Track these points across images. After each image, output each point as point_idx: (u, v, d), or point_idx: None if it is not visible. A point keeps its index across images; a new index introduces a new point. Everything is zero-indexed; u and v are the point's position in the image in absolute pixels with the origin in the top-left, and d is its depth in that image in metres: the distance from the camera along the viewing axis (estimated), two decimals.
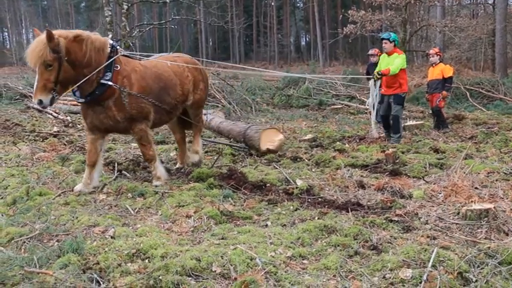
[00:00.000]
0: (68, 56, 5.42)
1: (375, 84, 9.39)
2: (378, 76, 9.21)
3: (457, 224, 4.58)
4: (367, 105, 9.62)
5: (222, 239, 4.32)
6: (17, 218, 4.82)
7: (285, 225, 4.73)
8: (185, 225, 4.73)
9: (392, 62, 9.14)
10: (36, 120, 12.43)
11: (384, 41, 9.37)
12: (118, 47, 6.07)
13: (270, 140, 8.29)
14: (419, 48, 29.27)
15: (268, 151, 8.18)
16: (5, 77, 24.54)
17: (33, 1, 68.97)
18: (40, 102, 5.42)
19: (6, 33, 71.59)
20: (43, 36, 5.24)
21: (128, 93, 5.82)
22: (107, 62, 5.74)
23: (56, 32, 5.41)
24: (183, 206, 5.29)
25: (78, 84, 5.62)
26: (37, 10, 67.64)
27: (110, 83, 5.70)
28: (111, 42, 5.98)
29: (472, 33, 22.90)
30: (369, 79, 12.14)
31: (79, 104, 6.22)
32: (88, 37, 5.67)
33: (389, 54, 9.33)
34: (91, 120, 5.97)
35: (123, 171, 6.95)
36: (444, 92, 10.94)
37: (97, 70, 5.65)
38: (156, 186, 6.12)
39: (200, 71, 7.23)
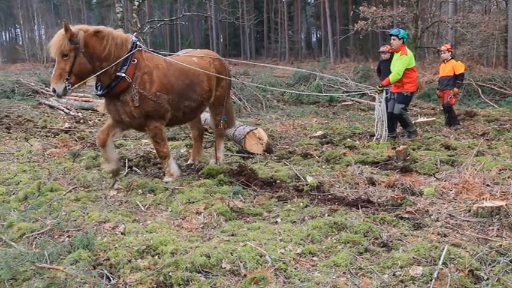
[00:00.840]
0: (86, 49, 5.66)
1: (380, 97, 9.11)
2: (380, 89, 9.01)
3: (468, 221, 4.55)
4: (375, 118, 9.22)
5: (232, 235, 4.33)
6: (28, 213, 4.87)
7: (294, 222, 4.73)
8: (195, 222, 4.75)
9: (395, 62, 9.04)
10: (48, 117, 12.50)
11: (392, 37, 9.15)
12: (138, 43, 6.16)
13: (255, 141, 8.19)
14: (430, 45, 29.04)
15: (267, 150, 8.17)
16: (17, 73, 24.74)
17: None
18: (54, 90, 5.65)
19: (18, 30, 72.15)
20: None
21: (138, 91, 5.89)
22: (124, 56, 5.90)
23: (78, 26, 5.76)
24: (193, 202, 5.30)
25: (93, 76, 5.85)
26: (49, 7, 68.00)
27: (123, 74, 5.83)
28: (134, 39, 6.13)
29: (484, 29, 22.66)
30: (379, 76, 12.07)
31: (98, 97, 6.39)
32: (109, 33, 5.90)
33: (396, 51, 9.15)
34: (113, 115, 6.24)
35: (134, 168, 6.98)
36: (455, 89, 10.85)
37: (115, 63, 5.84)
38: (166, 182, 6.14)
39: (224, 67, 7.22)
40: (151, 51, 6.55)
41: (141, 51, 6.14)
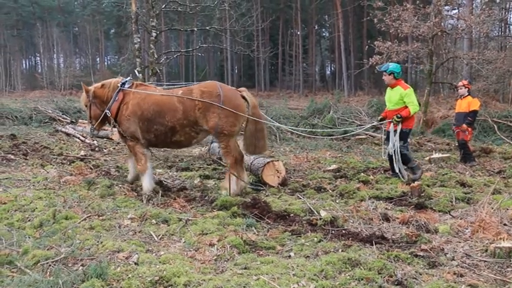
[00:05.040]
0: (94, 99, 7.60)
1: (395, 130, 8.58)
2: (398, 120, 8.48)
3: (485, 261, 4.49)
4: (389, 151, 8.64)
5: (245, 268, 4.30)
6: (43, 240, 4.90)
7: (308, 256, 4.69)
8: (208, 254, 4.73)
9: (395, 96, 8.66)
10: (64, 144, 12.64)
11: (383, 73, 8.86)
12: (120, 83, 7.50)
13: (273, 172, 8.23)
14: (445, 80, 29.10)
15: (281, 184, 8.18)
16: (35, 100, 25.17)
17: (65, 27, 71.02)
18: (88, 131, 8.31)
19: (38, 58, 73.70)
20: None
21: (117, 119, 7.40)
22: (113, 97, 7.45)
23: (94, 85, 7.76)
24: (207, 234, 5.30)
25: (101, 117, 7.57)
26: (68, 36, 69.53)
27: (107, 110, 7.43)
28: (123, 80, 7.58)
29: (500, 66, 22.64)
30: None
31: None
32: (109, 82, 7.63)
33: (392, 86, 8.82)
34: None
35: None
36: (463, 125, 10.70)
37: (108, 105, 7.47)
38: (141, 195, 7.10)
39: (217, 98, 7.15)
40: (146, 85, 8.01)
41: (130, 90, 7.46)
